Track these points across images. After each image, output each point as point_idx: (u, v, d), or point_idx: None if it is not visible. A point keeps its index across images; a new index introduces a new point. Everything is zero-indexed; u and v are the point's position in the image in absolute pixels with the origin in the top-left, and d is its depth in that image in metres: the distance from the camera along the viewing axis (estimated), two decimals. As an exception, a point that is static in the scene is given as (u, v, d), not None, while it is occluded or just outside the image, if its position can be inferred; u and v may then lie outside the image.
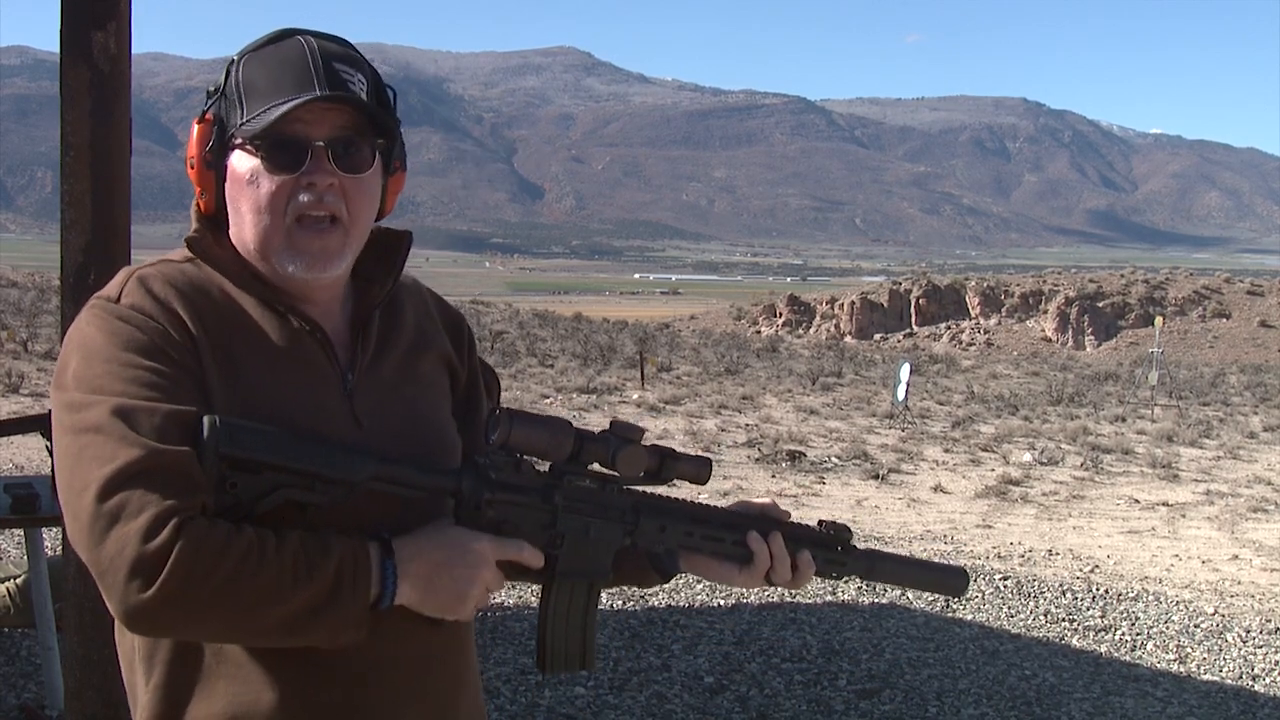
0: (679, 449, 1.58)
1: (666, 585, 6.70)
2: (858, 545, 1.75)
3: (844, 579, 1.76)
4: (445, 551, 1.43)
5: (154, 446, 1.30)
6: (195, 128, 1.51)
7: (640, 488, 1.58)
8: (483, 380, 1.76)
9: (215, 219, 1.54)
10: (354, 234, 1.52)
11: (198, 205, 1.55)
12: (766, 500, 1.71)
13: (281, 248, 1.48)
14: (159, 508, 1.26)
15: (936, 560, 2.02)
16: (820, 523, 1.73)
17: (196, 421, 1.34)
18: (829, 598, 6.76)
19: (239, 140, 1.47)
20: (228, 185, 1.50)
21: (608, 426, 1.54)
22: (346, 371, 1.54)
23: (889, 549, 1.90)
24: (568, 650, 1.56)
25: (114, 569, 1.26)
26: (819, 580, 1.73)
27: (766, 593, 6.80)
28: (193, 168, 1.52)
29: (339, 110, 1.47)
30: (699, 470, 1.60)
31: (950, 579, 1.85)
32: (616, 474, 1.54)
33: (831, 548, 1.71)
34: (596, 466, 1.54)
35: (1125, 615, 6.78)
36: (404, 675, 1.53)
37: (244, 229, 1.50)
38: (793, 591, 6.82)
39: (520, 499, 1.48)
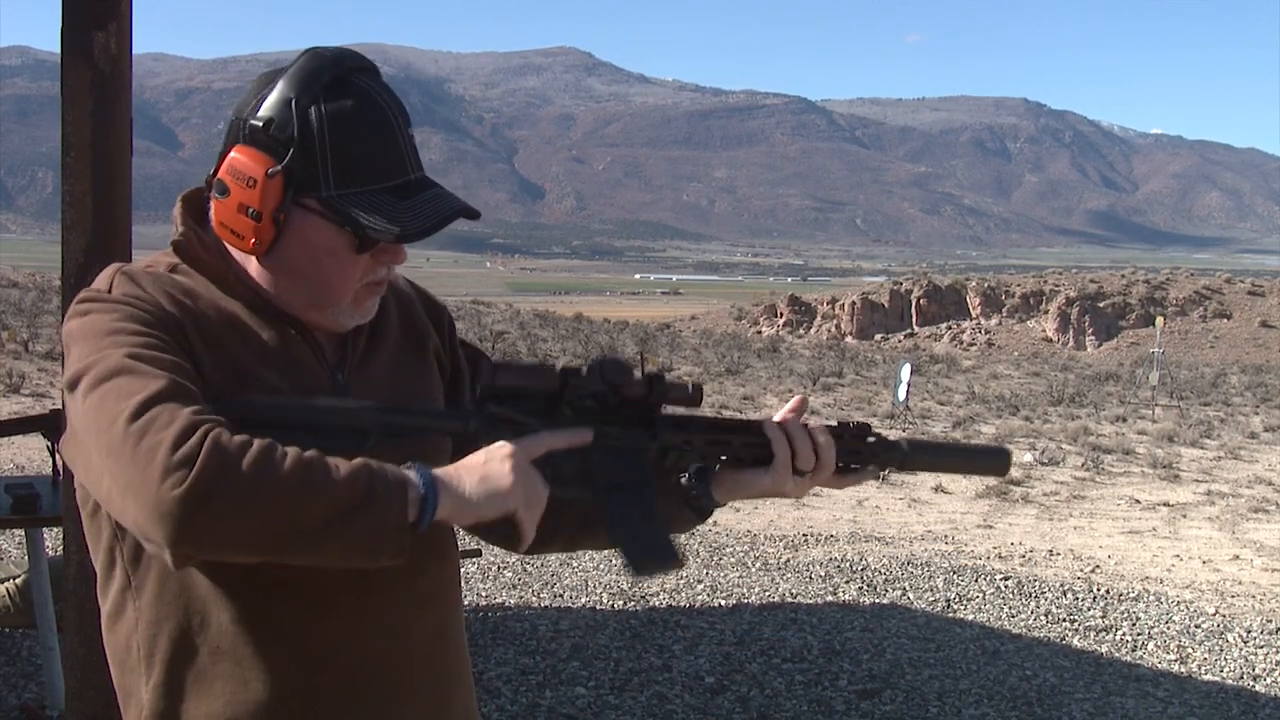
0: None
1: (668, 585, 6.71)
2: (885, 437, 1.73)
3: (880, 472, 1.73)
4: (473, 459, 1.42)
5: (175, 377, 1.31)
6: (263, 179, 1.44)
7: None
8: (467, 364, 1.76)
9: (199, 213, 1.53)
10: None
11: (193, 209, 1.54)
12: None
13: (346, 308, 1.52)
14: (188, 419, 1.26)
15: (975, 444, 1.96)
16: (839, 423, 1.72)
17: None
18: (829, 598, 6.77)
19: (324, 212, 1.45)
20: (293, 245, 1.47)
21: (590, 363, 1.55)
22: (335, 371, 1.55)
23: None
24: (656, 550, 1.53)
25: (147, 478, 1.23)
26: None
27: (767, 593, 6.80)
28: (254, 219, 1.45)
29: None
30: (689, 393, 1.59)
31: (991, 460, 1.81)
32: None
33: (859, 437, 1.70)
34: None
35: (1126, 615, 6.78)
36: (401, 672, 1.53)
37: (304, 288, 1.50)
38: (795, 593, 6.82)
39: (532, 423, 1.49)
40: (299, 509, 1.27)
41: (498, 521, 1.41)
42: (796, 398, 1.70)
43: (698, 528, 1.76)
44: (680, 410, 1.60)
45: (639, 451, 1.56)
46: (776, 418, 1.66)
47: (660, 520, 1.55)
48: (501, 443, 1.42)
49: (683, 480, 1.67)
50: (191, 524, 1.24)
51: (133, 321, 1.39)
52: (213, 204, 1.49)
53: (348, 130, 1.44)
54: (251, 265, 1.51)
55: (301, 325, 1.53)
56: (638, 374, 1.55)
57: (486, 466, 1.39)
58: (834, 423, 1.72)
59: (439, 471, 1.37)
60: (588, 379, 1.52)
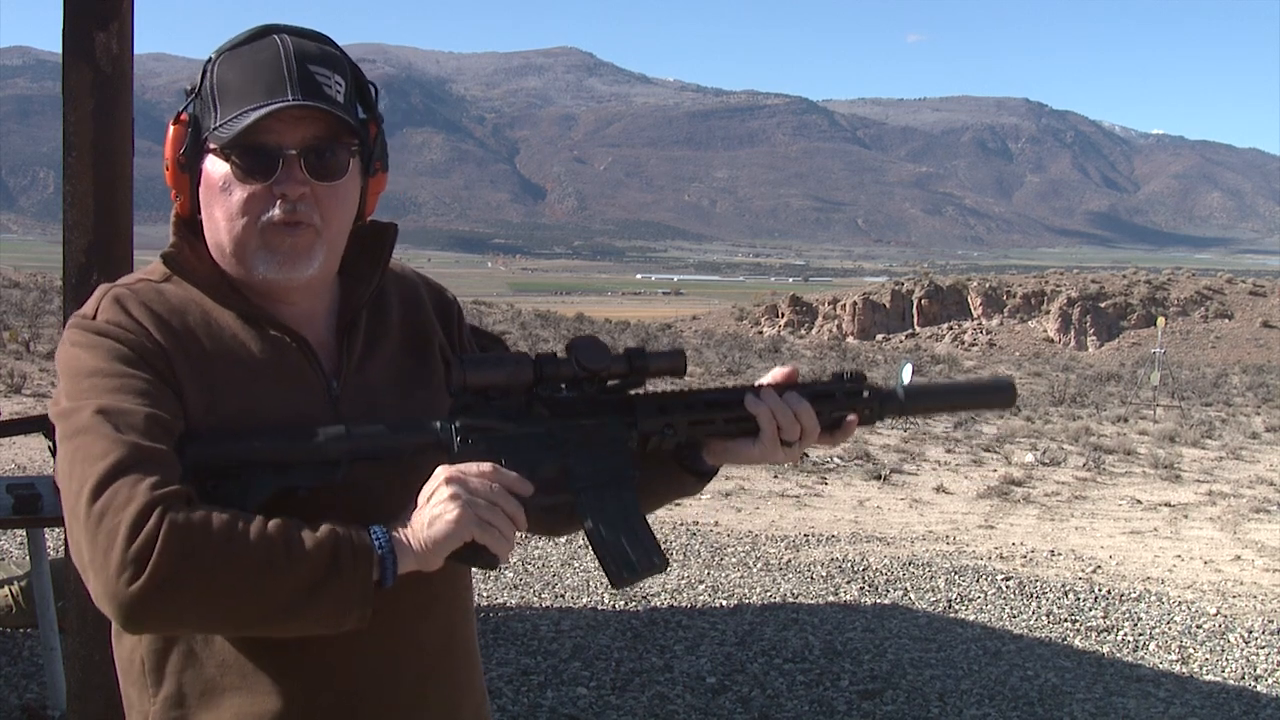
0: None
1: (669, 585, 6.71)
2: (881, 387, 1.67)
3: (878, 421, 1.65)
4: (419, 502, 1.40)
5: (138, 442, 1.31)
6: (171, 129, 1.49)
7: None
8: (475, 349, 1.73)
9: (193, 225, 1.53)
10: (328, 237, 1.50)
11: (176, 212, 1.54)
12: (786, 370, 1.65)
13: (255, 249, 1.47)
14: (146, 499, 1.26)
15: (977, 379, 1.85)
16: (834, 376, 1.66)
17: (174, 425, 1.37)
18: (831, 599, 6.76)
19: (212, 145, 1.46)
20: (201, 189, 1.49)
21: (567, 347, 1.52)
22: (331, 379, 1.53)
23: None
24: (634, 557, 1.49)
25: (106, 564, 1.26)
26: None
27: (769, 593, 6.80)
28: (169, 169, 1.50)
29: (312, 117, 1.45)
30: (673, 363, 1.54)
31: (996, 394, 1.73)
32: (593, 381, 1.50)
33: (853, 393, 1.63)
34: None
35: (1128, 616, 6.77)
36: (410, 682, 1.53)
37: (217, 234, 1.49)
38: (796, 593, 6.82)
39: (504, 425, 1.46)
40: (260, 591, 1.28)
41: (465, 553, 1.39)
42: (786, 369, 1.64)
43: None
44: (663, 388, 1.56)
45: (618, 443, 1.52)
46: (764, 380, 1.63)
47: (641, 522, 1.52)
48: (439, 472, 1.39)
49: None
50: (145, 613, 1.27)
51: (113, 360, 1.39)
52: None
53: (236, 69, 1.45)
54: (208, 241, 1.51)
55: (296, 334, 1.51)
56: (617, 351, 1.51)
57: (430, 508, 1.37)
58: (828, 377, 1.66)
59: (396, 530, 1.37)
60: (564, 365, 1.48)
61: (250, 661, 1.45)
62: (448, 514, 1.36)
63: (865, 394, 1.64)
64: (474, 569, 1.51)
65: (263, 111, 1.41)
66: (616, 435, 1.52)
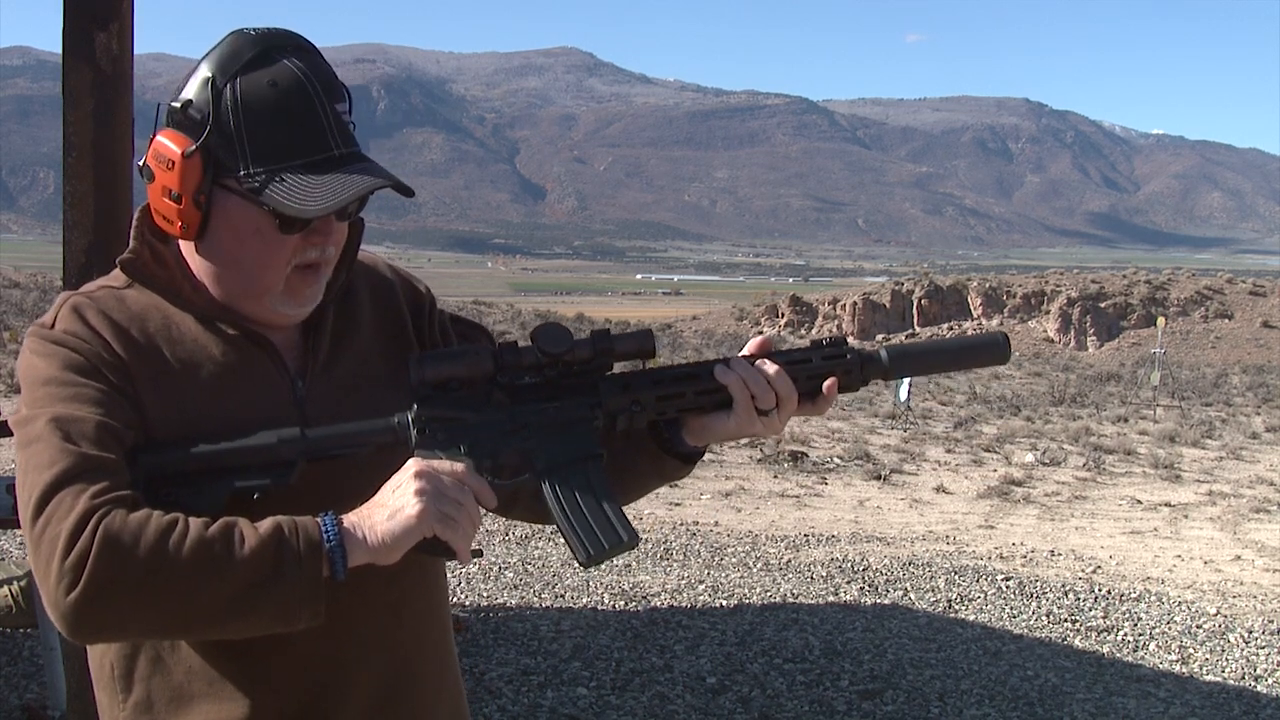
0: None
1: (669, 585, 6.71)
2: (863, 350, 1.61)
3: (862, 386, 1.61)
4: (380, 494, 1.38)
5: (85, 452, 1.31)
6: (177, 161, 1.41)
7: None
8: (455, 339, 1.70)
9: (155, 226, 1.50)
10: (333, 264, 1.51)
11: (150, 221, 1.50)
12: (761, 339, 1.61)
13: (280, 294, 1.47)
14: (85, 507, 1.26)
15: (966, 337, 1.77)
16: (813, 343, 1.62)
17: (126, 434, 1.36)
18: (831, 599, 6.76)
19: (242, 192, 1.41)
20: (220, 228, 1.44)
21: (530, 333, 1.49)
22: (296, 379, 1.51)
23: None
24: (601, 535, 1.46)
25: (47, 575, 1.26)
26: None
27: (769, 593, 6.79)
28: (175, 202, 1.42)
29: None
30: (640, 344, 1.51)
31: (988, 350, 1.68)
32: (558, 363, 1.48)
33: (833, 358, 1.58)
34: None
35: (1128, 616, 6.77)
36: (380, 685, 1.52)
37: (237, 274, 1.46)
38: (796, 593, 6.82)
39: (463, 414, 1.44)
40: (198, 595, 1.27)
41: (428, 546, 1.37)
42: (760, 338, 1.61)
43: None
44: (628, 368, 1.53)
45: (582, 423, 1.49)
46: (743, 352, 1.59)
47: (609, 499, 1.48)
48: (409, 464, 1.37)
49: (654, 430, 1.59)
50: (86, 622, 1.26)
51: (67, 369, 1.38)
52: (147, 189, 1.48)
53: (262, 107, 1.40)
54: (196, 261, 1.48)
55: (259, 335, 1.49)
56: (581, 336, 1.49)
57: (394, 500, 1.35)
58: (808, 344, 1.63)
59: (349, 520, 1.34)
60: (525, 353, 1.46)
61: (218, 667, 1.44)
62: (409, 508, 1.33)
63: (846, 357, 1.60)
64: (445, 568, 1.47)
65: (334, 207, 1.39)
66: (580, 416, 1.49)
